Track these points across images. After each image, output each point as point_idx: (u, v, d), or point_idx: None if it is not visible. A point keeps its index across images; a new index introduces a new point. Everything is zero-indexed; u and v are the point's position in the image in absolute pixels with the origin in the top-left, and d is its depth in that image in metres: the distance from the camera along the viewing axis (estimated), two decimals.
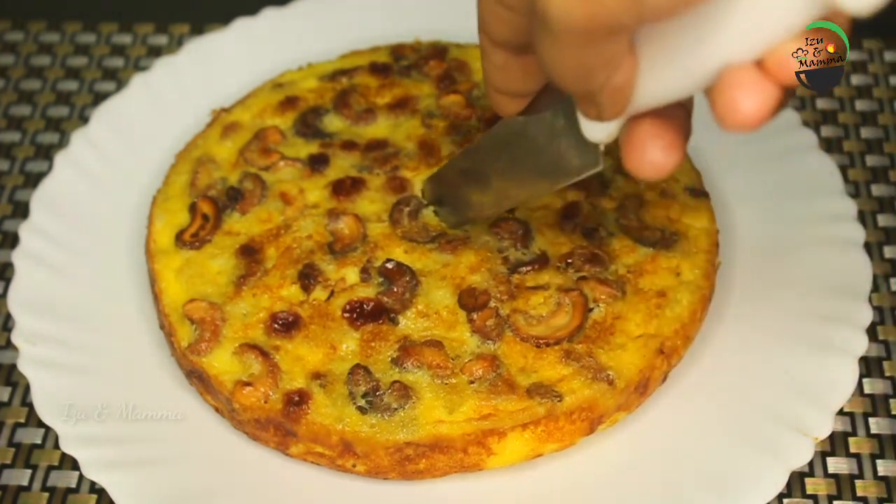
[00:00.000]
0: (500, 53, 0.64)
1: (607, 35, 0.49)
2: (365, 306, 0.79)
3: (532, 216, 0.84)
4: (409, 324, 0.78)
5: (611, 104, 0.55)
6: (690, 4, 0.48)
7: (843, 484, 0.77)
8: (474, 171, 0.78)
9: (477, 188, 0.79)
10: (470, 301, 0.79)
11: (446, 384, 0.75)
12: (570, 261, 0.81)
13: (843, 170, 0.96)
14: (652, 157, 0.58)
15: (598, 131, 0.61)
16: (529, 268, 0.80)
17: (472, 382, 0.75)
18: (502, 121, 0.72)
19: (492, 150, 0.74)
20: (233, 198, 0.86)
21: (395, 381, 0.75)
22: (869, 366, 0.83)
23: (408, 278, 0.80)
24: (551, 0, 0.48)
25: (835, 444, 0.79)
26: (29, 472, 0.80)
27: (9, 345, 0.85)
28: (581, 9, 0.47)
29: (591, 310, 0.79)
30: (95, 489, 0.78)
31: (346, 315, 0.78)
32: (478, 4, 0.62)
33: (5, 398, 0.84)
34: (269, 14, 1.05)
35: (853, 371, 0.76)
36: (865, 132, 1.01)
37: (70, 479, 0.79)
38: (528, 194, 0.77)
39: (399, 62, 0.98)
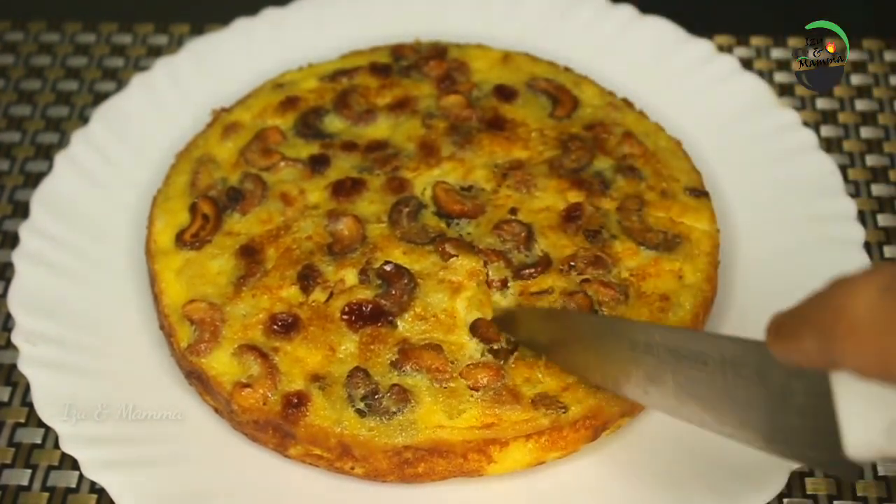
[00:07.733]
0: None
1: None
2: (363, 308, 0.78)
3: (535, 218, 0.84)
4: (408, 326, 0.78)
5: None
6: None
7: (843, 484, 0.77)
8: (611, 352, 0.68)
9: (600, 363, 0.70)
10: None
11: (445, 388, 0.74)
12: (573, 263, 0.81)
13: (843, 170, 0.96)
14: None
15: (864, 450, 0.50)
16: (532, 270, 0.80)
17: (476, 391, 0.74)
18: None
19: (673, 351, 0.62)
20: (233, 198, 0.86)
21: (394, 385, 0.74)
22: None
23: (405, 281, 0.79)
24: None
25: None
26: (29, 471, 0.80)
27: (9, 345, 0.85)
28: None
29: (595, 313, 0.78)
30: (95, 489, 0.78)
31: (345, 317, 0.78)
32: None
33: (5, 398, 0.84)
34: (269, 14, 1.05)
35: None
36: (865, 132, 1.01)
37: (70, 479, 0.79)
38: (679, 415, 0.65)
39: (399, 62, 0.97)
